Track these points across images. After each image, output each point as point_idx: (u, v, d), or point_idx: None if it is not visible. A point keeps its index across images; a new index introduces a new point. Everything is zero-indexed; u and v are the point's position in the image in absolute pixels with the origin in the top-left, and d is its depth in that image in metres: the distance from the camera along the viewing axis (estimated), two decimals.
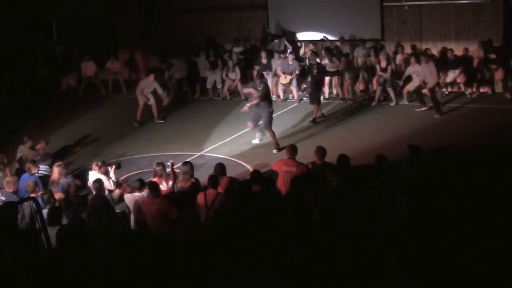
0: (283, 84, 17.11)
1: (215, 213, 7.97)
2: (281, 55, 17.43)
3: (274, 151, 12.90)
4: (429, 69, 15.01)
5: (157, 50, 20.04)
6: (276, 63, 17.30)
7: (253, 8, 19.73)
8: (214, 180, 8.95)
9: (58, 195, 9.91)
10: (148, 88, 15.62)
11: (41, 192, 9.59)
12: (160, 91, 15.72)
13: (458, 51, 16.83)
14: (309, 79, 15.96)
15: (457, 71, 16.47)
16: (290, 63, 16.91)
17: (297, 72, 16.83)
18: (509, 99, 15.73)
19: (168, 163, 10.12)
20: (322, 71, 15.50)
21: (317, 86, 15.18)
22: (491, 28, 16.94)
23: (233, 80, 17.83)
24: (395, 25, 18.12)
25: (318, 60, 15.61)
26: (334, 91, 17.48)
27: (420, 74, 15.18)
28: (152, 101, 15.72)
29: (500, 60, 16.04)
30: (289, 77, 16.84)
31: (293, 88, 17.12)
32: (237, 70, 17.75)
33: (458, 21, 17.34)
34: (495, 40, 16.75)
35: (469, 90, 16.61)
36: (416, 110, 15.30)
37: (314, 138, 13.61)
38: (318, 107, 15.09)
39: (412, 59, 15.77)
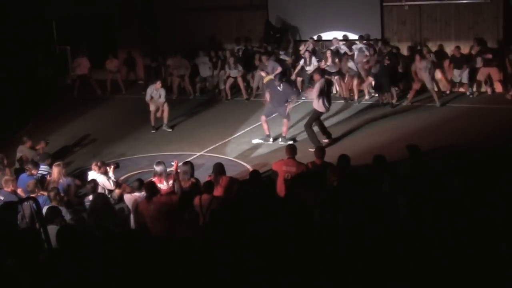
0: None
1: (211, 213, 7.92)
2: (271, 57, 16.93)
3: (290, 142, 12.90)
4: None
5: (148, 50, 20.00)
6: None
7: (253, 8, 19.73)
8: (209, 185, 8.83)
9: None
10: (155, 95, 15.10)
11: (41, 192, 9.58)
12: (162, 99, 15.07)
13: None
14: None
15: (462, 70, 16.43)
16: (266, 64, 16.35)
17: (278, 70, 15.99)
18: (509, 99, 15.72)
19: (172, 163, 10.10)
20: (395, 61, 15.87)
21: (387, 75, 15.65)
22: (491, 28, 16.94)
23: (234, 78, 17.80)
24: (395, 25, 18.13)
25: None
26: (334, 91, 17.46)
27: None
28: (164, 107, 15.13)
29: (496, 60, 16.01)
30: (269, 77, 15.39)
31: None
32: (239, 67, 17.71)
33: (458, 21, 17.33)
34: (495, 40, 16.75)
35: (470, 90, 16.61)
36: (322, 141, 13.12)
37: None
38: (390, 94, 15.89)
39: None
